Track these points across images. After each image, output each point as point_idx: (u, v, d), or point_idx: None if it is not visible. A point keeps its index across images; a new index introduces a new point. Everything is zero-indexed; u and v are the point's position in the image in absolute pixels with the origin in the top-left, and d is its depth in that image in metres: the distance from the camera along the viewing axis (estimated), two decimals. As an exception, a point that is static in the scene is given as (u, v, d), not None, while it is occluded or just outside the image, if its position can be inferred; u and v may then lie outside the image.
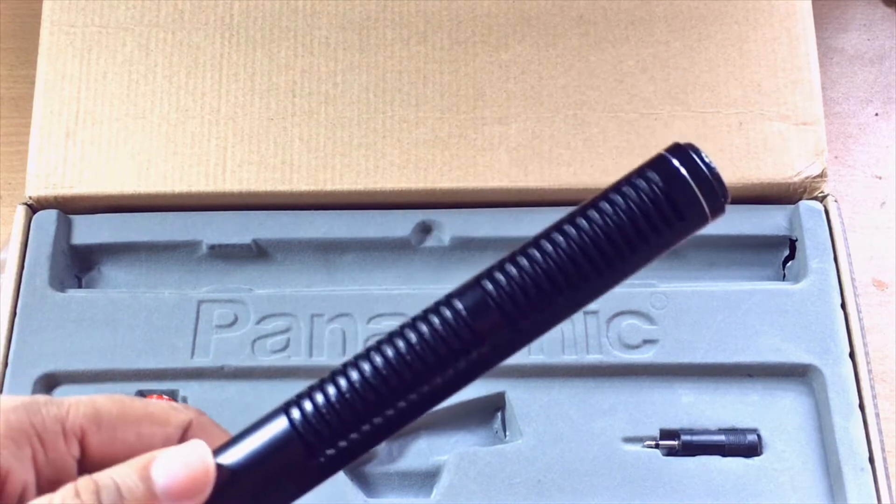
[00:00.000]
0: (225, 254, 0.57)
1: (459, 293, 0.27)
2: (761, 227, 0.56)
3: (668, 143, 0.27)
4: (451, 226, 0.56)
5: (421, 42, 0.58)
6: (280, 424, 0.27)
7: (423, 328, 0.27)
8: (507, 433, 0.52)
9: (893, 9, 0.72)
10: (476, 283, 0.27)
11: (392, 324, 0.53)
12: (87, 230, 0.57)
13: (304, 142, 0.57)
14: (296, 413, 0.27)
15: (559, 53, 0.58)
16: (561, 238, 0.26)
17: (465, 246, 0.56)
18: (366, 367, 0.27)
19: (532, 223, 0.55)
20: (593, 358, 0.53)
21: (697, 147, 0.27)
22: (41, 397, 0.26)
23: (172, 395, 0.53)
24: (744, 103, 0.57)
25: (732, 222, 0.56)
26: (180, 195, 0.56)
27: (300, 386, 0.28)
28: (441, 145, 0.56)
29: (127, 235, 0.57)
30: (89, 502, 0.24)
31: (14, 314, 0.54)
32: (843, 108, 0.69)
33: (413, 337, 0.27)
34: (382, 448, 0.51)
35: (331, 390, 0.27)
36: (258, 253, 0.57)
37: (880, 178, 0.66)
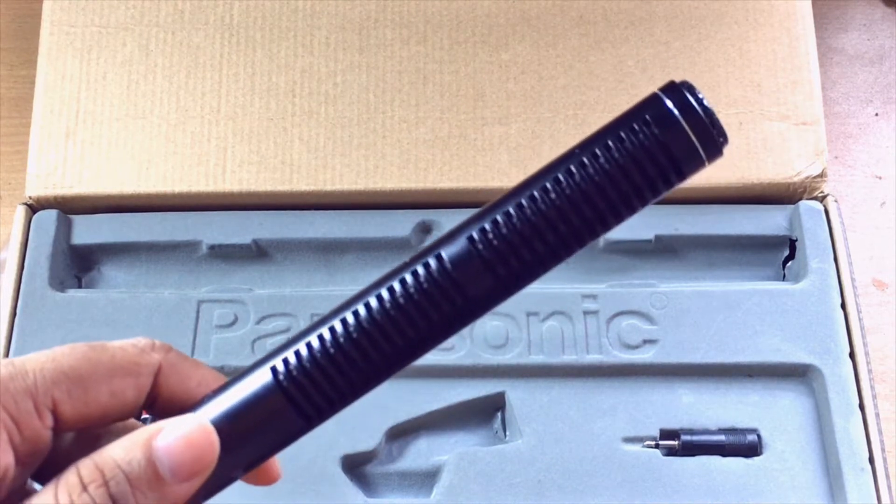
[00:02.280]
0: (225, 254, 0.57)
1: (444, 243, 0.27)
2: (761, 227, 0.56)
3: None
4: (451, 226, 0.56)
5: (421, 42, 0.58)
6: (263, 377, 0.27)
7: (407, 277, 0.26)
8: (507, 433, 0.52)
9: (893, 9, 0.72)
10: (461, 232, 0.27)
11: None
12: (87, 230, 0.57)
13: (304, 142, 0.57)
14: (279, 365, 0.27)
15: (559, 53, 0.58)
16: (550, 189, 0.26)
17: (465, 246, 0.56)
18: (349, 316, 0.26)
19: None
20: (593, 358, 0.53)
21: (693, 86, 0.25)
22: (2, 370, 0.25)
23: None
24: (744, 103, 0.57)
25: (732, 222, 0.56)
26: (180, 195, 0.56)
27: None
28: (441, 145, 0.56)
29: (127, 235, 0.57)
30: (98, 498, 0.24)
31: (14, 314, 0.54)
32: (843, 108, 0.69)
33: (396, 286, 0.26)
34: (382, 448, 0.51)
35: (314, 341, 0.26)
36: (258, 253, 0.57)
37: (880, 178, 0.66)
